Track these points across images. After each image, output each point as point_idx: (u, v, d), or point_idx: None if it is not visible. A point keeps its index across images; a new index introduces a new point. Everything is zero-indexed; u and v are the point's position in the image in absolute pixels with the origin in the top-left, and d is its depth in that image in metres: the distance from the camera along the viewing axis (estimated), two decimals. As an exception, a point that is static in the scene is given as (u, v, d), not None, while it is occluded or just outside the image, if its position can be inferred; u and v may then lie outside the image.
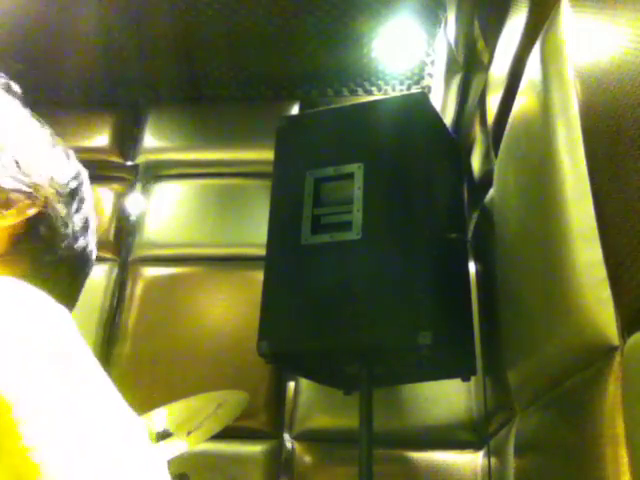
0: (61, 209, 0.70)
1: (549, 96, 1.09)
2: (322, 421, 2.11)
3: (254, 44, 2.49)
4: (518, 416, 1.42)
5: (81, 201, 0.76)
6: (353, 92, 2.72)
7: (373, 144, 1.61)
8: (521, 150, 1.32)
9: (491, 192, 1.71)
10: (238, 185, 2.63)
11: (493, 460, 1.85)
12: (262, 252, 1.66)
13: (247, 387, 2.00)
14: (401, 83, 2.67)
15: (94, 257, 0.81)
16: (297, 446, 2.12)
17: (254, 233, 2.43)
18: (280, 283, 1.58)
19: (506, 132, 1.46)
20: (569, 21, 1.04)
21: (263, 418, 2.19)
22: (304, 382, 2.16)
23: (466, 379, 1.74)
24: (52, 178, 0.71)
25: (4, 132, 0.69)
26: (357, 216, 1.51)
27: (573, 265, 0.96)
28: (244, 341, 2.12)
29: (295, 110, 2.69)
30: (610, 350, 0.86)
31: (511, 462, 1.44)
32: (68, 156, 0.77)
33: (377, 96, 2.68)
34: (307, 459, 2.09)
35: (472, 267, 1.97)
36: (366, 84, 2.68)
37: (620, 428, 0.79)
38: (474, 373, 1.72)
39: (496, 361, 1.66)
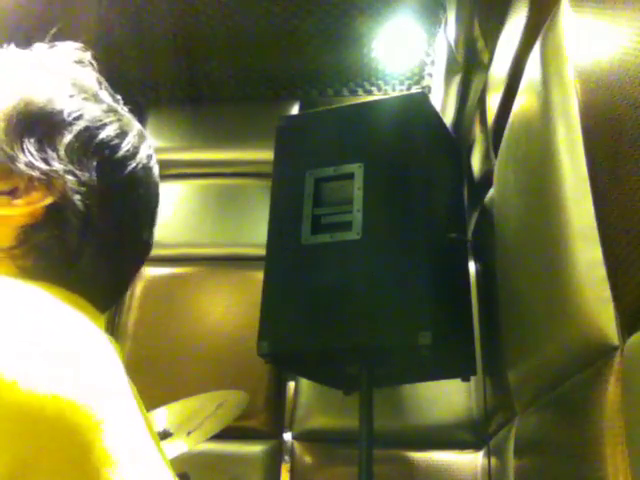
0: (80, 202, 0.60)
1: (549, 96, 1.09)
2: (322, 421, 2.11)
3: (254, 44, 2.49)
4: (518, 416, 1.42)
5: (120, 190, 0.66)
6: (353, 92, 2.72)
7: (373, 144, 1.61)
8: (521, 150, 1.32)
9: (491, 192, 1.71)
10: (238, 185, 2.62)
11: (493, 460, 1.85)
12: (262, 252, 1.66)
13: (247, 387, 2.00)
14: (401, 83, 2.67)
15: (138, 249, 0.71)
16: (297, 446, 2.12)
17: (254, 233, 2.43)
18: (280, 283, 1.58)
19: (506, 132, 1.46)
20: (569, 21, 1.04)
21: (263, 418, 2.19)
22: (304, 382, 2.16)
23: (466, 379, 1.74)
24: (77, 164, 0.61)
25: (33, 104, 0.61)
26: (357, 216, 1.51)
27: (573, 265, 0.96)
28: (244, 341, 2.12)
29: (295, 110, 2.69)
30: (610, 350, 0.86)
31: (511, 462, 1.44)
32: (126, 134, 0.67)
33: (377, 96, 2.68)
34: (307, 459, 2.08)
35: (472, 267, 1.97)
36: (366, 84, 2.68)
37: (620, 428, 0.79)
38: (474, 373, 1.72)
39: (496, 361, 1.66)
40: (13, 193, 0.59)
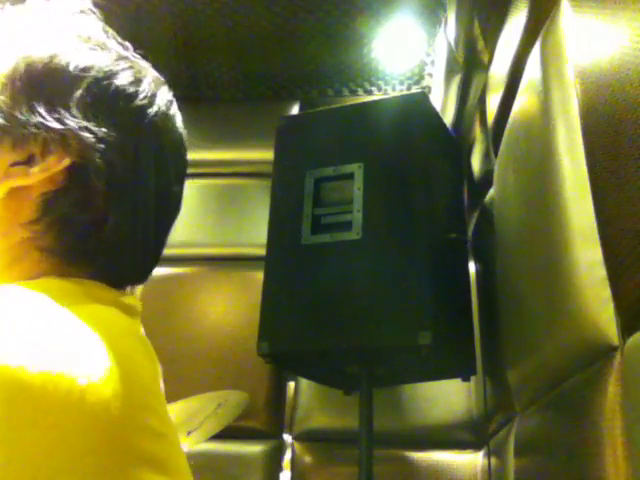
0: (100, 159, 0.55)
1: (549, 96, 1.09)
2: (322, 421, 2.11)
3: (254, 44, 2.49)
4: (518, 416, 1.42)
5: (141, 141, 0.61)
6: (353, 92, 2.72)
7: (373, 144, 1.61)
8: (521, 150, 1.32)
9: (491, 192, 1.71)
10: (238, 185, 2.62)
11: (493, 460, 1.85)
12: (262, 252, 1.66)
13: (247, 387, 2.00)
14: (401, 83, 2.67)
15: (170, 204, 0.67)
16: (297, 446, 2.12)
17: (254, 233, 2.43)
18: (280, 283, 1.58)
19: (506, 132, 1.46)
20: (569, 21, 1.04)
21: (263, 418, 2.19)
22: (304, 382, 2.16)
23: (466, 379, 1.74)
24: (92, 119, 0.56)
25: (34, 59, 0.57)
26: (357, 216, 1.51)
27: (573, 265, 0.96)
28: (244, 341, 2.12)
29: (295, 110, 2.69)
30: (610, 350, 0.86)
31: (511, 462, 1.44)
32: (140, 81, 0.62)
33: (377, 96, 2.68)
34: (307, 459, 2.08)
35: (472, 267, 1.97)
36: (366, 84, 2.68)
37: (620, 428, 0.79)
38: (474, 373, 1.72)
39: (496, 361, 1.66)
40: (29, 162, 0.55)
